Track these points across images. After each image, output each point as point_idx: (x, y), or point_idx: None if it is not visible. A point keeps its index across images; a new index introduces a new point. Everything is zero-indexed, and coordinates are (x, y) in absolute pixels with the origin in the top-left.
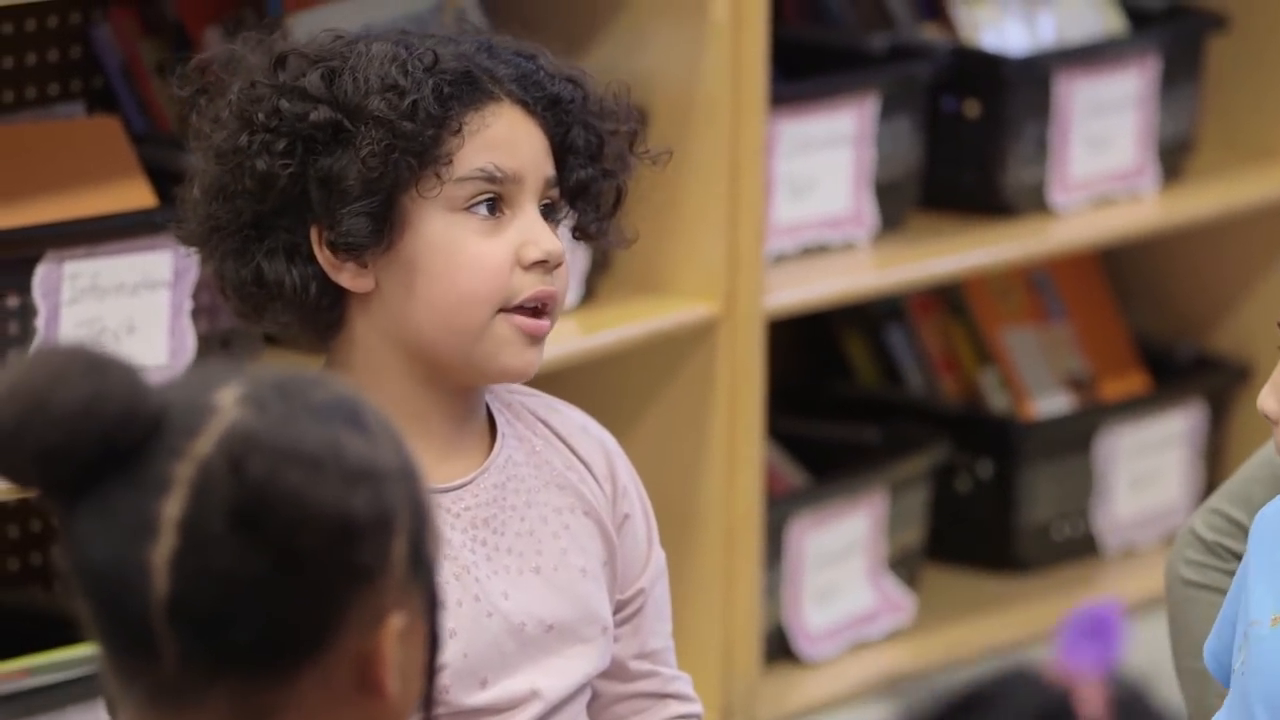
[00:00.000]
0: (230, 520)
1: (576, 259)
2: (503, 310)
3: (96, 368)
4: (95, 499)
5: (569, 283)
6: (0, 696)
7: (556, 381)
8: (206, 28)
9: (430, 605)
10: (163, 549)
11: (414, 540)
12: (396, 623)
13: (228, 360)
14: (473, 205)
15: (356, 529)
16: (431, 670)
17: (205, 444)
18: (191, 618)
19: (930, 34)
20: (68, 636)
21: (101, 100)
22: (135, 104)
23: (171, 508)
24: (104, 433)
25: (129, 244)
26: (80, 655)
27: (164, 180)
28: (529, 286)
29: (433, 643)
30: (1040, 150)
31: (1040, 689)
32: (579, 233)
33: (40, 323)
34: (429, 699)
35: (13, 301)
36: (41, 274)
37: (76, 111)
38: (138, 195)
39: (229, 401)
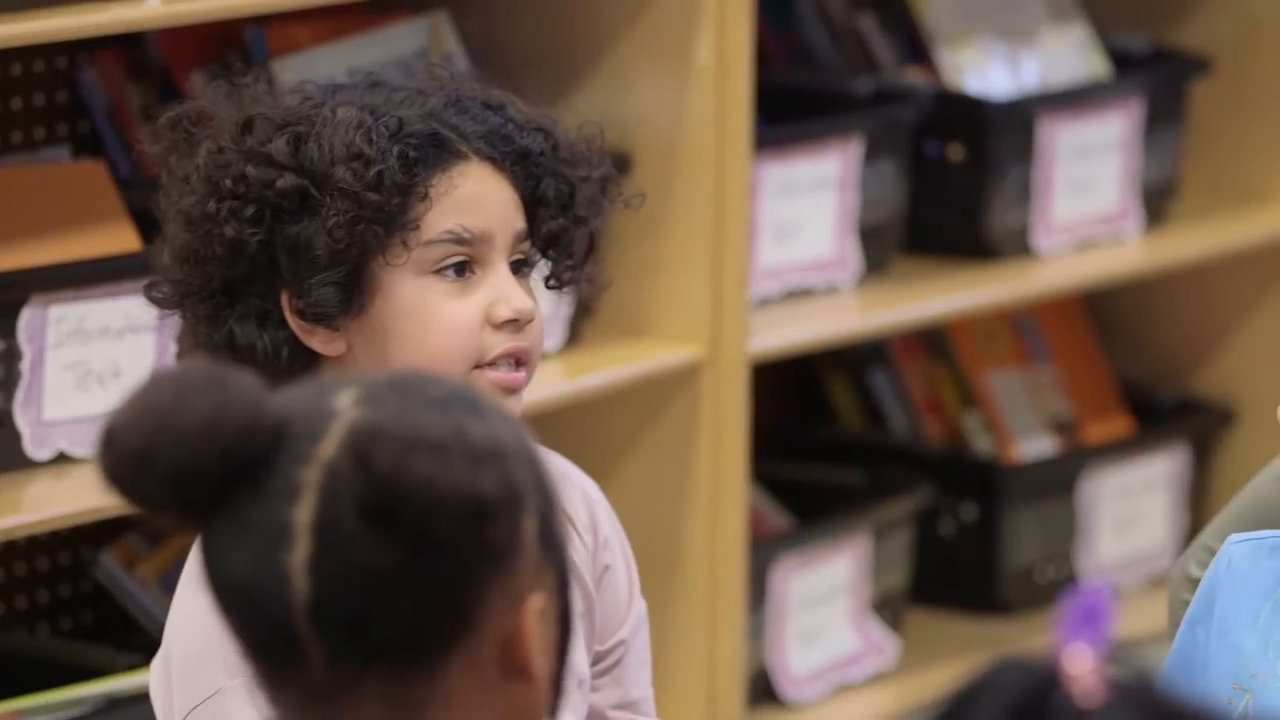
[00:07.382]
0: (361, 515)
1: (560, 303)
2: (477, 367)
3: (217, 384)
4: (227, 514)
5: (543, 335)
6: None
7: (540, 425)
8: (192, 71)
9: (561, 585)
10: (299, 554)
11: (543, 519)
12: (535, 603)
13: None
14: (442, 268)
15: (489, 509)
16: (563, 650)
17: (329, 446)
18: (335, 618)
19: (914, 78)
20: (55, 679)
21: (87, 144)
22: (121, 148)
23: (303, 513)
24: (229, 447)
25: (114, 288)
26: (67, 698)
27: (149, 224)
28: (499, 344)
29: (564, 622)
30: (1024, 194)
31: (1024, 672)
32: (552, 281)
33: (25, 367)
34: (558, 680)
35: None
36: (27, 318)
37: (62, 156)
38: (123, 239)
39: (347, 403)
